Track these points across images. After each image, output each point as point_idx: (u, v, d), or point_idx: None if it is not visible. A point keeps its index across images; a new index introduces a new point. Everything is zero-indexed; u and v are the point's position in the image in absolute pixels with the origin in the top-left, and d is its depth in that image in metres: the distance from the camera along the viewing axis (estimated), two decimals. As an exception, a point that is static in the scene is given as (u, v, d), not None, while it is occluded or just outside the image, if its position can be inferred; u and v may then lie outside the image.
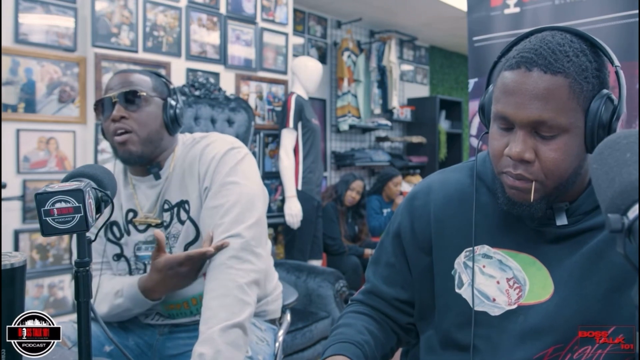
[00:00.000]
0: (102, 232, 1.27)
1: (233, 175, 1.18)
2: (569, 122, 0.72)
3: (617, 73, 0.75)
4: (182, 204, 1.22)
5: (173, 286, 1.15)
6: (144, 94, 1.18)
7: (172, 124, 1.23)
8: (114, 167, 1.29)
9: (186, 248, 1.22)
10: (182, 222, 1.22)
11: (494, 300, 0.82)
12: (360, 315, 0.96)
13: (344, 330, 0.91)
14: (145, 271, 1.26)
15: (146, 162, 1.23)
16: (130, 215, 1.26)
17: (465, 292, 0.85)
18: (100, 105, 1.19)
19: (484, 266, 0.84)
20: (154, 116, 1.20)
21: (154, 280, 1.14)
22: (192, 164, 1.22)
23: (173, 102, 1.24)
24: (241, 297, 1.05)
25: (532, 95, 0.71)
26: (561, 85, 0.71)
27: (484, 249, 0.84)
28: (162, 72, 2.58)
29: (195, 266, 1.13)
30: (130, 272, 1.26)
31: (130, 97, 1.17)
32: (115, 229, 1.27)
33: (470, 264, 0.85)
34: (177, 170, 1.24)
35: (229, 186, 1.17)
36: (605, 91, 0.74)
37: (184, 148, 1.27)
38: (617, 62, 0.75)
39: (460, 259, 0.86)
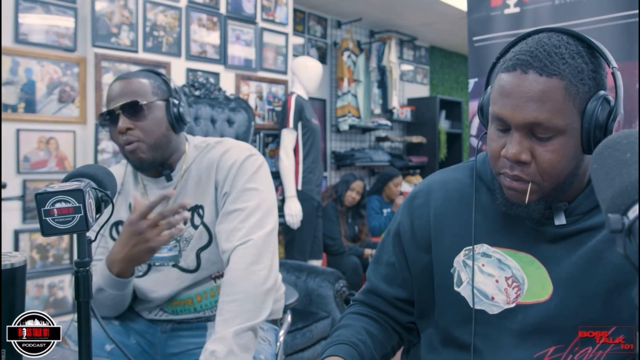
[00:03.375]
0: (106, 232, 1.28)
1: (253, 182, 1.20)
2: (565, 124, 0.72)
3: (613, 74, 0.75)
4: (197, 209, 1.23)
5: (131, 250, 1.08)
6: (145, 102, 1.18)
7: (178, 123, 1.23)
8: (126, 167, 1.30)
9: (198, 253, 1.23)
10: (195, 227, 1.22)
11: (493, 298, 0.83)
12: (359, 316, 0.97)
13: (342, 331, 0.92)
14: (147, 271, 1.26)
15: (158, 165, 1.24)
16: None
17: (464, 291, 0.85)
18: (105, 118, 1.20)
19: (483, 265, 0.84)
20: (159, 121, 1.20)
21: (116, 244, 1.11)
22: (210, 170, 1.23)
23: (175, 101, 1.24)
24: (259, 303, 1.08)
25: (527, 98, 0.72)
26: (557, 87, 0.71)
27: (483, 247, 0.85)
28: (162, 72, 2.58)
29: (156, 227, 1.06)
30: (133, 272, 1.26)
31: (133, 108, 1.17)
32: (121, 228, 1.27)
33: (469, 262, 0.85)
34: (193, 174, 1.25)
35: (249, 192, 1.19)
36: (601, 92, 0.74)
37: (197, 152, 1.28)
38: (614, 64, 0.75)
39: (460, 257, 0.87)
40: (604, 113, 0.73)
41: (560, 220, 0.80)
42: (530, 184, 0.75)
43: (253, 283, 1.09)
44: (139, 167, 1.23)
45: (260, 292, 1.09)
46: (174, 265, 1.24)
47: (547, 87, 0.71)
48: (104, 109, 1.21)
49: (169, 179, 1.25)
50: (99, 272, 1.16)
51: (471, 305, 0.83)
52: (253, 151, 1.27)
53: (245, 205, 1.17)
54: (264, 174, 1.25)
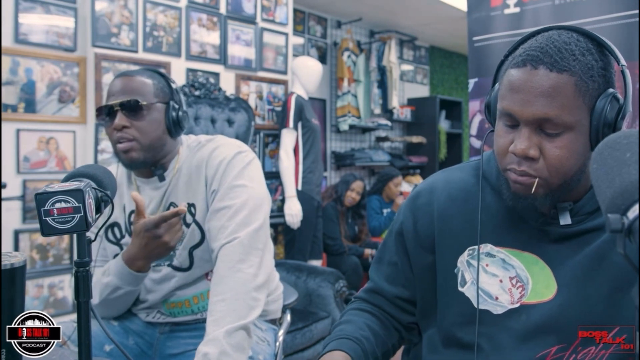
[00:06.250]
0: (101, 233, 1.27)
1: (241, 178, 1.19)
2: (574, 120, 0.72)
3: (622, 72, 0.75)
4: (188, 207, 1.22)
5: (152, 251, 1.12)
6: (145, 103, 1.18)
7: (175, 128, 1.23)
8: (117, 168, 1.29)
9: (191, 251, 1.23)
10: (187, 225, 1.22)
11: (497, 298, 0.82)
12: (361, 312, 0.97)
13: (344, 327, 0.92)
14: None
15: (149, 166, 1.23)
16: (134, 216, 1.26)
17: (467, 291, 0.85)
18: (102, 112, 1.19)
19: (487, 265, 0.84)
20: (157, 123, 1.20)
21: (134, 246, 1.13)
22: (199, 168, 1.22)
23: (176, 105, 1.23)
24: (250, 301, 1.07)
25: (537, 93, 0.71)
26: (567, 83, 0.71)
27: (488, 247, 0.85)
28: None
29: (172, 228, 1.11)
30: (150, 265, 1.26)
31: (132, 107, 1.16)
32: (116, 230, 1.27)
33: (473, 262, 0.85)
34: (184, 172, 1.24)
35: (236, 189, 1.17)
36: (611, 90, 0.74)
37: (189, 151, 1.27)
38: (623, 62, 0.75)
39: (464, 257, 0.86)
40: (613, 111, 0.72)
41: (566, 220, 0.80)
42: (537, 179, 0.74)
43: (241, 281, 1.07)
44: (129, 166, 1.22)
45: (249, 289, 1.07)
46: (168, 265, 1.24)
47: (558, 83, 0.71)
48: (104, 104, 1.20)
49: (161, 179, 1.25)
50: (114, 272, 1.17)
51: (475, 306, 0.83)
52: (243, 148, 1.26)
53: (233, 202, 1.16)
54: (253, 170, 1.23)
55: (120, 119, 1.16)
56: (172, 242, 1.12)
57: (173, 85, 1.27)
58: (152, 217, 1.10)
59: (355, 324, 0.92)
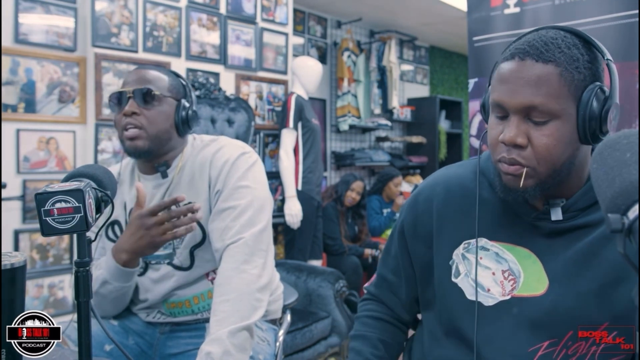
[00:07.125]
0: (102, 232, 1.27)
1: (245, 179, 1.20)
2: (560, 108, 0.74)
3: (608, 66, 0.78)
4: None
5: (136, 242, 1.10)
6: (158, 93, 1.20)
7: (183, 126, 1.24)
8: (120, 167, 1.30)
9: (192, 250, 1.23)
10: None
11: (489, 290, 0.85)
12: (374, 322, 1.02)
13: (359, 346, 0.98)
14: (145, 269, 1.26)
15: (152, 158, 1.23)
16: (133, 207, 1.26)
17: (461, 282, 0.88)
18: (115, 98, 1.20)
19: (480, 258, 0.86)
20: (166, 116, 1.21)
21: (123, 235, 1.13)
22: (203, 168, 1.23)
23: (187, 104, 1.25)
24: (253, 302, 1.08)
25: (524, 82, 0.74)
26: (552, 73, 0.74)
27: (482, 241, 0.87)
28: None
29: (162, 225, 1.09)
30: (139, 263, 1.26)
31: (145, 95, 1.18)
32: (116, 227, 1.28)
33: (467, 255, 0.88)
34: (187, 171, 1.24)
35: (241, 190, 1.18)
36: (597, 83, 0.76)
37: (192, 150, 1.28)
38: (608, 56, 0.78)
39: (459, 250, 0.89)
40: (598, 101, 0.75)
41: (557, 215, 0.82)
42: (525, 169, 0.77)
43: (245, 282, 1.08)
44: (131, 154, 1.22)
45: (253, 290, 1.08)
46: (168, 263, 1.24)
47: (543, 73, 0.74)
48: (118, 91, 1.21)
49: (164, 175, 1.25)
50: (103, 265, 1.17)
51: (467, 297, 0.86)
52: (246, 149, 1.26)
53: (237, 203, 1.17)
54: (257, 171, 1.24)
55: (130, 105, 1.17)
56: (157, 239, 1.09)
57: (187, 87, 1.29)
58: (150, 206, 1.11)
59: (369, 341, 0.99)
